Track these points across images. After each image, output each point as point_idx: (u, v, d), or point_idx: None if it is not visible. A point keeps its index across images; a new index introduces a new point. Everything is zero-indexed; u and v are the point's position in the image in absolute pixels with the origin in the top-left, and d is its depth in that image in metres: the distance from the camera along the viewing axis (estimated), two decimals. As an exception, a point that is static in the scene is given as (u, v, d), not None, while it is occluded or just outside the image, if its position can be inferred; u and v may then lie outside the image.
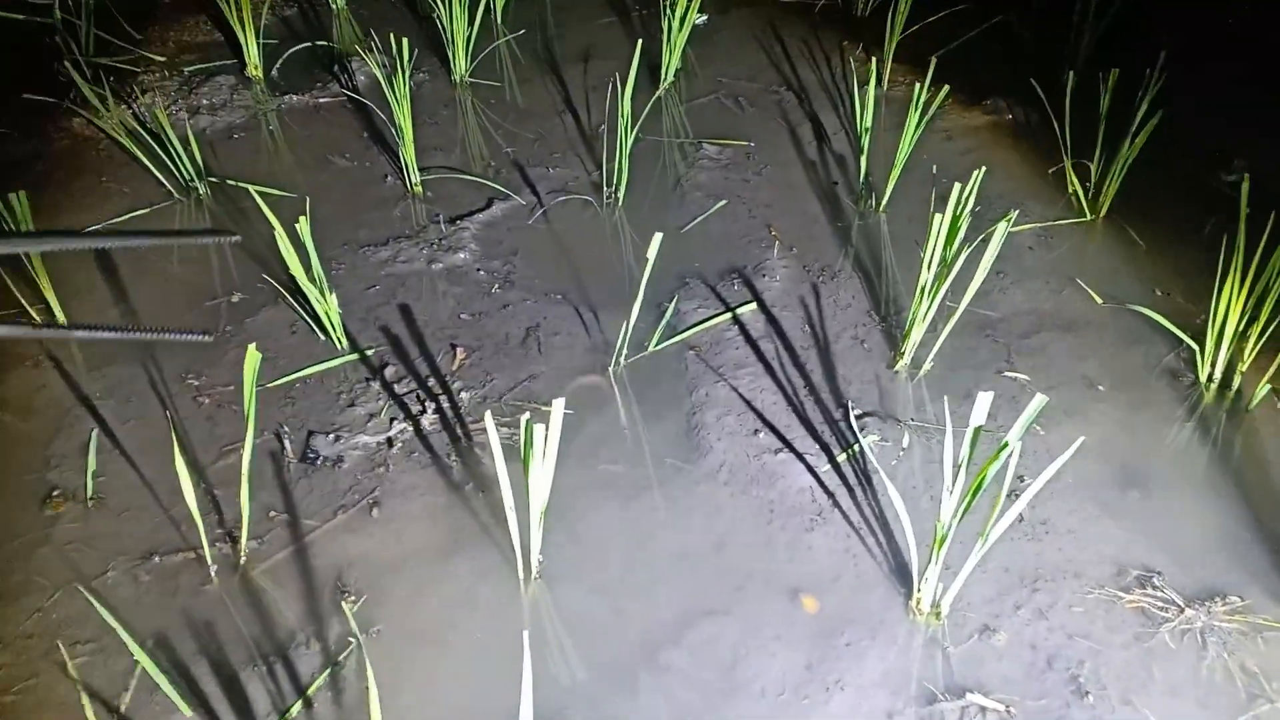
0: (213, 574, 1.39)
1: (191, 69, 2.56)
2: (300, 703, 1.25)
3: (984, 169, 1.59)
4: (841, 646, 1.32)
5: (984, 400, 1.16)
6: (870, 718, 1.23)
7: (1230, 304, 1.61)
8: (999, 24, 2.66)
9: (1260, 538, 1.43)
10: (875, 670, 1.29)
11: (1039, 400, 1.17)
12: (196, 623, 1.33)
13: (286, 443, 1.56)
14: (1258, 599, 1.35)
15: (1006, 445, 1.15)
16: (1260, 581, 1.37)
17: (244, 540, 1.41)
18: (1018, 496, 1.30)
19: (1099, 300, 1.85)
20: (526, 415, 1.27)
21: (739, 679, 1.28)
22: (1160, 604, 1.35)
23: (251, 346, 1.25)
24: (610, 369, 1.73)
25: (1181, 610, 1.34)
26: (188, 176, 2.10)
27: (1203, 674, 1.28)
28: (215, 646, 1.31)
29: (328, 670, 1.28)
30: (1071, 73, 2.14)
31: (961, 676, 1.28)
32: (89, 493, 1.49)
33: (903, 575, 1.39)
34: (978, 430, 1.17)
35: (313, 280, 1.68)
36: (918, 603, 1.34)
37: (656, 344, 1.75)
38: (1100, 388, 1.68)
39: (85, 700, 1.25)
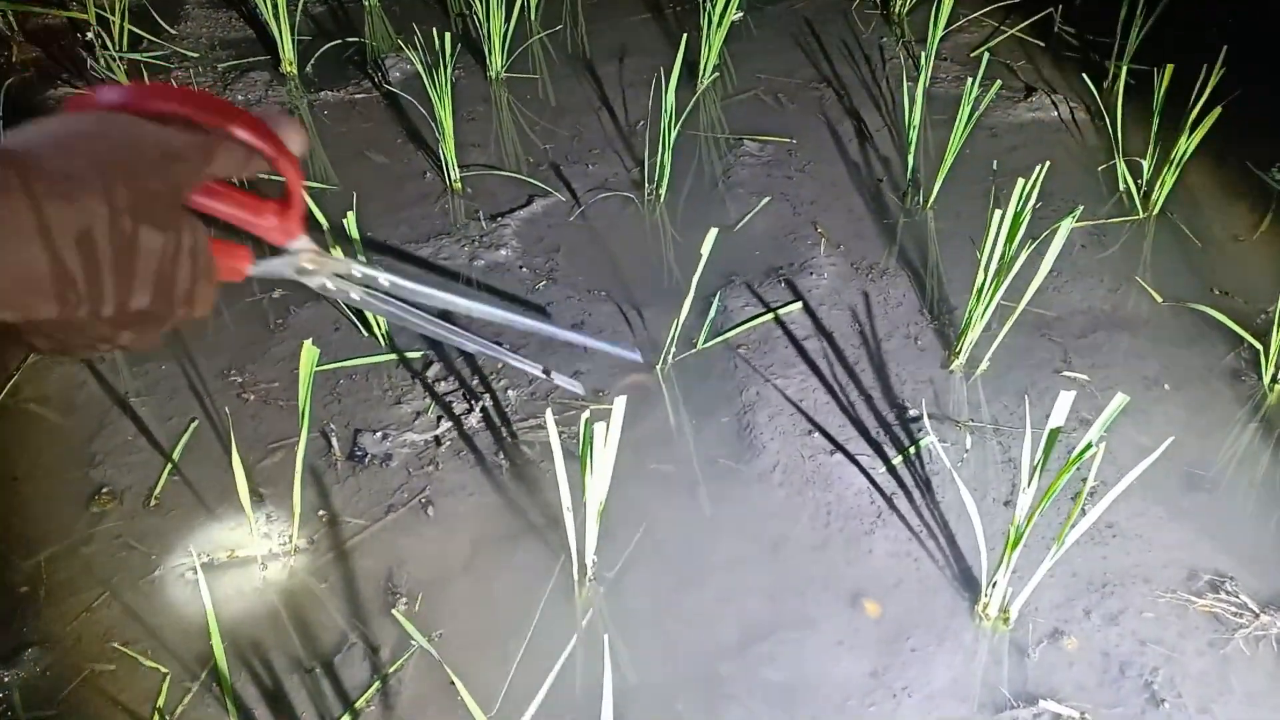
0: (262, 575, 1.36)
1: (225, 65, 2.54)
2: (349, 711, 1.22)
3: (1048, 163, 1.55)
4: (907, 652, 1.28)
5: (1064, 401, 1.13)
6: (941, 725, 1.20)
7: (1297, 303, 1.57)
8: (1043, 19, 2.62)
9: (1335, 542, 1.39)
10: (943, 677, 1.25)
11: (1120, 399, 1.14)
12: (246, 623, 1.31)
13: (334, 441, 1.53)
14: (1337, 605, 1.31)
15: (1090, 446, 1.11)
16: (1337, 588, 1.34)
17: (294, 540, 1.39)
18: (1092, 497, 1.27)
19: (1159, 298, 1.81)
20: (587, 413, 1.24)
21: (802, 686, 1.25)
22: (1234, 609, 1.31)
23: (308, 342, 1.23)
24: (658, 367, 1.70)
25: (1256, 616, 1.30)
26: (226, 172, 2.08)
27: (1281, 682, 1.24)
28: (264, 649, 1.28)
29: (382, 674, 1.25)
30: (1124, 68, 2.10)
31: (1033, 683, 1.24)
32: (157, 490, 1.46)
33: (967, 579, 1.36)
34: (1055, 432, 1.14)
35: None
36: (985, 607, 1.31)
37: (704, 342, 1.72)
38: (1162, 388, 1.64)
39: (134, 703, 1.22)
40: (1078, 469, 1.27)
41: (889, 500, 1.47)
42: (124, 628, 1.30)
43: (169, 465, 1.51)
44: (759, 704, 1.23)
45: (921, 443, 1.54)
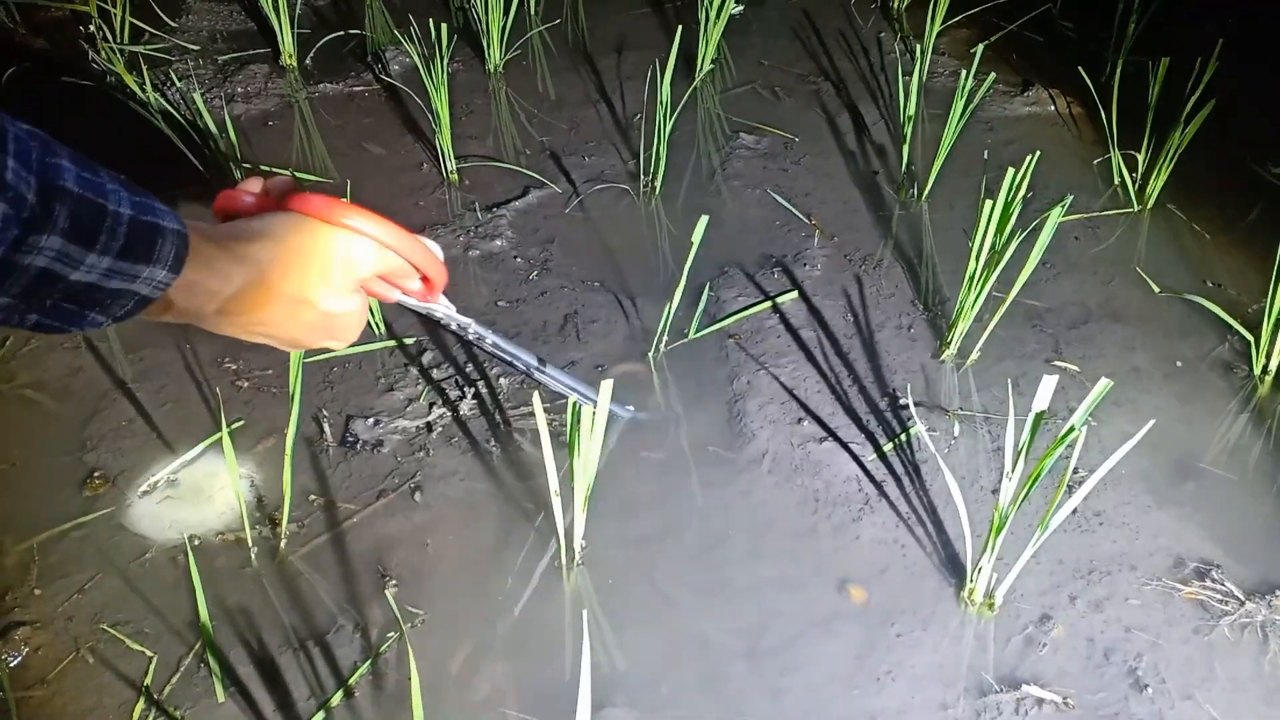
0: (252, 557, 1.37)
1: (225, 57, 2.55)
2: (341, 689, 1.23)
3: (1038, 154, 1.56)
4: (892, 637, 1.29)
5: (1048, 385, 1.13)
6: (923, 708, 1.21)
7: (1287, 294, 1.57)
8: (1041, 14, 2.62)
9: (1322, 532, 1.40)
10: (927, 661, 1.26)
11: (1104, 384, 1.14)
12: (236, 606, 1.32)
13: (325, 426, 1.54)
14: (1322, 593, 1.31)
15: (1073, 430, 1.12)
16: (1324, 576, 1.34)
17: (284, 524, 1.40)
18: (1075, 487, 1.27)
19: (1155, 288, 1.81)
20: (573, 397, 1.25)
21: (786, 669, 1.25)
22: (1220, 597, 1.31)
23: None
24: (650, 356, 1.70)
25: (1241, 603, 1.30)
26: (224, 162, 2.09)
27: (1265, 668, 1.25)
28: (254, 630, 1.29)
29: (369, 657, 1.26)
30: (1120, 61, 2.10)
31: (1017, 668, 1.25)
32: (150, 476, 1.48)
33: (954, 566, 1.36)
34: (1040, 416, 1.14)
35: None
36: (970, 593, 1.31)
37: (696, 331, 1.72)
38: (1151, 379, 1.64)
39: (123, 682, 1.23)
40: (1064, 457, 1.27)
41: (878, 487, 1.48)
42: (115, 609, 1.31)
43: (165, 449, 1.52)
44: (744, 687, 1.23)
45: (911, 431, 1.55)
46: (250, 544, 1.38)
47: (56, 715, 1.20)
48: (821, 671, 1.25)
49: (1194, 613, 1.31)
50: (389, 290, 0.84)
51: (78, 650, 1.26)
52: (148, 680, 1.23)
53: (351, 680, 1.24)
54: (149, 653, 1.26)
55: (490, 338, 1.15)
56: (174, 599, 1.32)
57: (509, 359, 1.21)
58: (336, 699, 1.22)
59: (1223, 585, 1.32)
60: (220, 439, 1.50)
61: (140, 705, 1.21)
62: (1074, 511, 1.43)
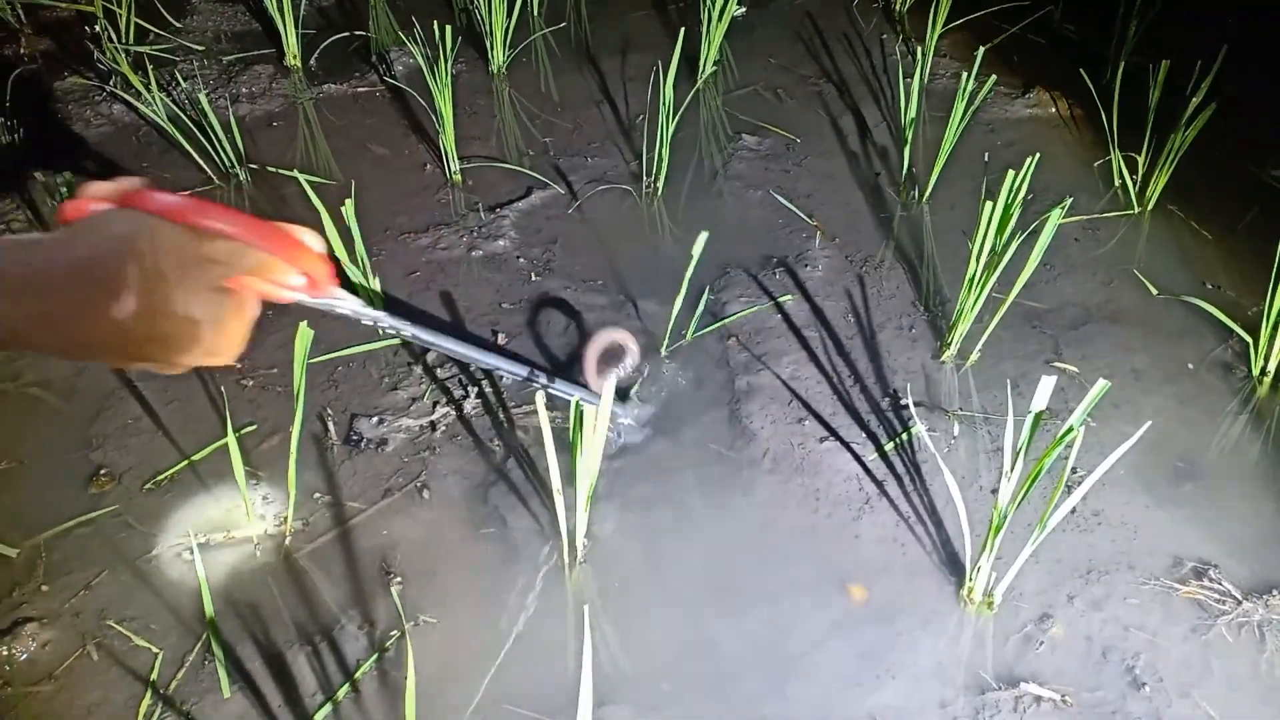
0: (258, 554, 1.38)
1: (229, 58, 2.56)
2: (346, 685, 1.24)
3: (1038, 156, 1.57)
4: (892, 635, 1.30)
5: (1046, 385, 1.14)
6: (923, 706, 1.22)
7: (1284, 295, 1.58)
8: (1042, 16, 2.63)
9: (1319, 532, 1.41)
10: (927, 659, 1.27)
11: (1101, 385, 1.15)
12: (241, 603, 1.33)
13: (330, 425, 1.56)
14: (1318, 593, 1.32)
15: (1071, 430, 1.13)
16: (1320, 576, 1.35)
17: (290, 521, 1.41)
18: (1074, 487, 1.28)
19: (1153, 291, 1.82)
20: (576, 397, 1.26)
21: (787, 666, 1.26)
22: (1217, 596, 1.32)
23: (304, 324, 1.25)
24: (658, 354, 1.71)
25: (1239, 603, 1.31)
26: (228, 162, 2.11)
27: (1262, 667, 1.26)
28: (260, 627, 1.30)
29: (374, 655, 1.27)
30: (1121, 64, 2.11)
31: (1015, 666, 1.26)
32: (156, 474, 1.49)
33: (953, 565, 1.37)
34: (1039, 416, 1.15)
35: (356, 265, 1.68)
36: (970, 592, 1.32)
37: (698, 332, 1.73)
38: (1150, 380, 1.65)
39: (130, 677, 1.24)
40: (1063, 457, 1.28)
41: (879, 486, 1.49)
42: (122, 605, 1.32)
43: (170, 448, 1.53)
44: (745, 684, 1.24)
45: (912, 431, 1.56)
46: (255, 542, 1.39)
47: (64, 710, 1.21)
48: (822, 669, 1.26)
49: (1191, 612, 1.32)
50: (275, 290, 0.75)
51: (85, 646, 1.27)
52: (154, 675, 1.24)
53: (356, 676, 1.25)
54: (155, 648, 1.27)
55: (424, 335, 1.11)
56: (180, 595, 1.33)
57: (461, 356, 1.22)
58: (341, 694, 1.23)
59: (1220, 585, 1.33)
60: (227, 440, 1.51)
61: (147, 700, 1.22)
62: (1073, 511, 1.43)
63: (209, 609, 1.25)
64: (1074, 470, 1.47)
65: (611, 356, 0.86)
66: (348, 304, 0.91)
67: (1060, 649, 1.28)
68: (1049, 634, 1.29)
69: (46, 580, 1.35)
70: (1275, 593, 1.32)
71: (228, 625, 1.30)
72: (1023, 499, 1.22)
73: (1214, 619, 1.30)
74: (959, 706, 1.22)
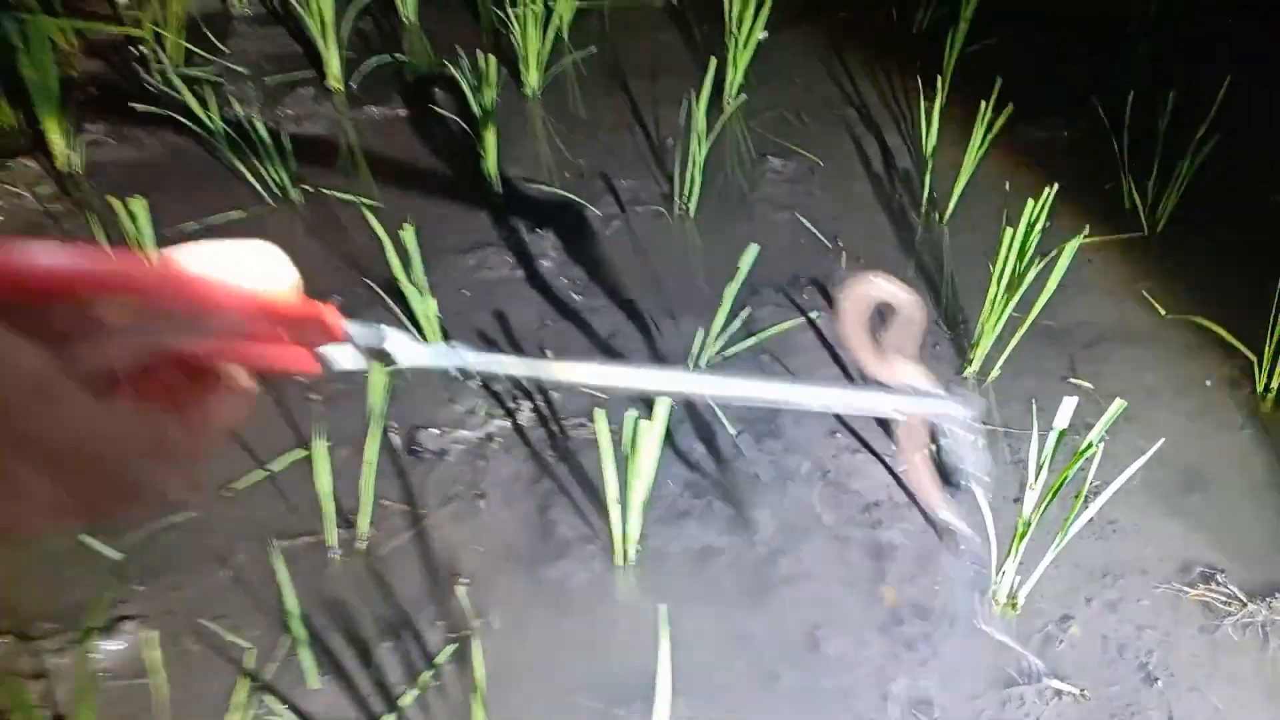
0: (335, 557, 1.49)
1: (274, 80, 2.67)
2: (421, 678, 1.35)
3: (1055, 186, 1.67)
4: (923, 635, 1.40)
5: (1068, 405, 1.25)
6: (954, 698, 1.32)
7: (1287, 317, 1.69)
8: (1056, 42, 2.74)
9: (1319, 539, 1.51)
10: (955, 657, 1.37)
11: (1118, 404, 1.26)
12: (321, 602, 1.44)
13: (394, 437, 1.66)
14: (1318, 596, 1.43)
15: (1090, 446, 1.24)
16: (1320, 580, 1.45)
17: (362, 527, 1.52)
18: (1094, 497, 1.39)
19: (1162, 312, 1.93)
20: (634, 411, 1.37)
21: (824, 663, 1.37)
22: (1224, 599, 1.43)
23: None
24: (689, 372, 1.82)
25: (1244, 605, 1.42)
26: (281, 184, 2.22)
27: (1265, 664, 1.36)
28: (341, 624, 1.41)
29: (446, 649, 1.38)
30: (1131, 92, 2.22)
31: (1038, 664, 1.36)
32: (236, 482, 1.60)
33: (983, 575, 1.48)
34: (1062, 432, 1.26)
35: (414, 284, 1.79)
36: (995, 595, 1.43)
37: (731, 349, 1.84)
38: (1161, 396, 1.76)
39: (223, 670, 1.35)
40: (1081, 469, 1.38)
41: (909, 495, 1.59)
42: (211, 604, 1.43)
43: (247, 458, 1.64)
44: (787, 678, 1.35)
45: (940, 444, 1.66)
46: (332, 545, 1.50)
47: (165, 701, 1.31)
48: (857, 665, 1.37)
49: (1200, 613, 1.43)
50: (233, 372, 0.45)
51: (180, 641, 1.38)
52: (248, 667, 1.35)
53: (430, 670, 1.35)
54: (245, 643, 1.38)
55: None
56: (264, 595, 1.44)
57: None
58: (421, 683, 1.34)
59: (1227, 588, 1.44)
60: (301, 451, 1.62)
61: (243, 690, 1.32)
62: (1090, 520, 1.54)
63: (293, 608, 1.36)
64: (1092, 481, 1.58)
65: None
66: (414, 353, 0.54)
67: (1079, 647, 1.39)
68: (1068, 633, 1.40)
69: (140, 581, 1.46)
70: (1278, 595, 1.43)
71: (310, 622, 1.40)
72: (1046, 508, 1.33)
73: (1220, 619, 1.41)
74: (987, 700, 1.32)
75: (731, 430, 1.70)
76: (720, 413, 1.73)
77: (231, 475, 1.61)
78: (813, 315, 1.92)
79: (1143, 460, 1.32)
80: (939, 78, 2.42)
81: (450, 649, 1.38)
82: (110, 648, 1.38)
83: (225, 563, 1.48)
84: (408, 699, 1.32)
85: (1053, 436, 1.27)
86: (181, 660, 1.35)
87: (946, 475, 0.86)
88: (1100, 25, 2.75)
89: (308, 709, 1.32)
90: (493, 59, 2.14)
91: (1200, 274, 2.02)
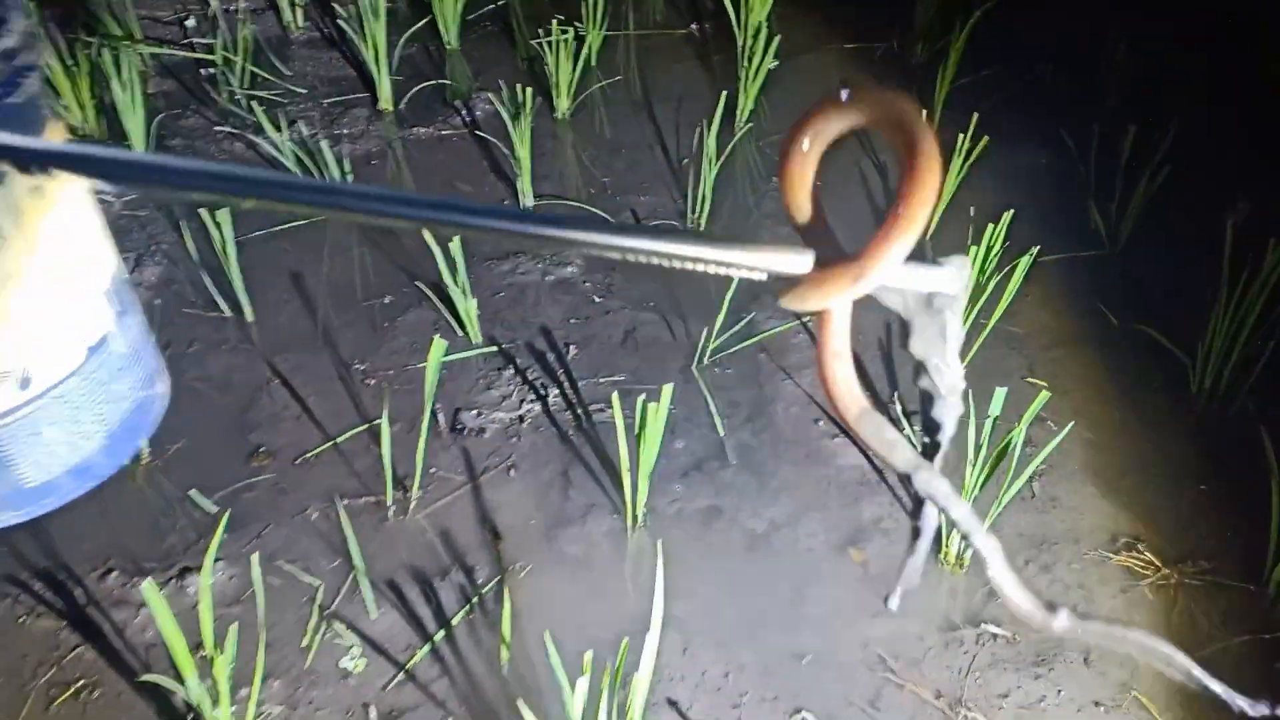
0: (390, 515, 1.77)
1: (330, 101, 2.97)
2: (461, 612, 1.62)
3: (1013, 211, 1.93)
4: (882, 587, 1.66)
5: (999, 395, 1.51)
6: (905, 637, 1.58)
7: (1217, 327, 1.93)
8: (1038, 75, 2.99)
9: (1228, 516, 1.76)
10: (909, 605, 1.63)
11: (1043, 396, 1.52)
12: (379, 550, 1.72)
13: (440, 416, 1.94)
14: (1221, 563, 1.68)
15: (1018, 429, 1.49)
16: (1226, 550, 1.70)
17: (415, 489, 1.80)
18: (1037, 477, 1.65)
19: (1115, 321, 2.17)
20: (643, 396, 1.64)
21: (800, 606, 1.63)
22: (1142, 564, 1.68)
23: (437, 337, 1.64)
24: (694, 366, 2.09)
25: (1159, 569, 1.67)
26: (341, 196, 2.50)
27: (1174, 619, 1.61)
28: (395, 569, 1.69)
29: (484, 588, 1.65)
30: (1096, 123, 2.47)
31: (978, 612, 1.62)
32: (307, 452, 1.88)
33: (935, 537, 1.73)
34: (995, 419, 1.52)
35: (459, 287, 2.07)
36: (945, 555, 1.69)
37: (729, 346, 2.11)
38: (1107, 394, 2.01)
39: (297, 602, 1.63)
40: (1028, 455, 1.63)
41: (878, 473, 1.85)
42: (286, 550, 1.71)
43: (316, 430, 1.92)
44: (768, 617, 1.62)
45: (905, 431, 1.92)
46: (387, 504, 1.78)
47: (249, 625, 1.59)
48: (828, 610, 1.63)
49: (1122, 576, 1.68)
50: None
51: (262, 579, 1.66)
52: (317, 601, 1.63)
53: (467, 606, 1.63)
54: (315, 581, 1.66)
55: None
56: (331, 544, 1.72)
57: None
58: (457, 619, 1.61)
59: (1146, 555, 1.69)
60: (363, 425, 1.91)
61: (314, 618, 1.61)
62: (1033, 496, 1.80)
63: (355, 552, 1.64)
64: (1038, 463, 1.84)
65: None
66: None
67: (1015, 601, 1.64)
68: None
69: (229, 530, 1.74)
70: (1189, 562, 1.68)
71: (370, 565, 1.68)
72: (984, 484, 1.58)
73: (1138, 582, 1.66)
74: (933, 639, 1.58)
75: (721, 419, 1.97)
76: (712, 403, 2.00)
77: (304, 446, 1.89)
78: (806, 320, 2.18)
79: (1056, 441, 1.58)
80: (930, 106, 2.68)
81: (486, 589, 1.65)
82: (203, 583, 1.66)
83: (299, 516, 1.77)
84: (449, 629, 1.60)
85: (988, 423, 1.53)
86: (264, 593, 1.63)
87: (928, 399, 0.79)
88: (1078, 60, 3.00)
89: (368, 634, 1.59)
90: (529, 90, 2.42)
91: (1151, 288, 2.26)
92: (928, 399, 0.82)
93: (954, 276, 0.74)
